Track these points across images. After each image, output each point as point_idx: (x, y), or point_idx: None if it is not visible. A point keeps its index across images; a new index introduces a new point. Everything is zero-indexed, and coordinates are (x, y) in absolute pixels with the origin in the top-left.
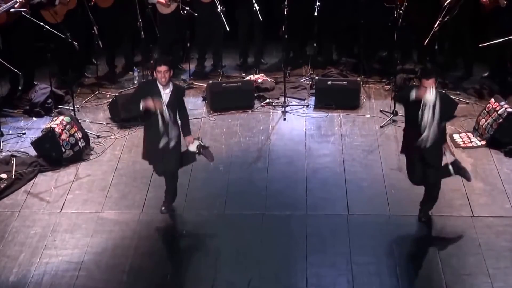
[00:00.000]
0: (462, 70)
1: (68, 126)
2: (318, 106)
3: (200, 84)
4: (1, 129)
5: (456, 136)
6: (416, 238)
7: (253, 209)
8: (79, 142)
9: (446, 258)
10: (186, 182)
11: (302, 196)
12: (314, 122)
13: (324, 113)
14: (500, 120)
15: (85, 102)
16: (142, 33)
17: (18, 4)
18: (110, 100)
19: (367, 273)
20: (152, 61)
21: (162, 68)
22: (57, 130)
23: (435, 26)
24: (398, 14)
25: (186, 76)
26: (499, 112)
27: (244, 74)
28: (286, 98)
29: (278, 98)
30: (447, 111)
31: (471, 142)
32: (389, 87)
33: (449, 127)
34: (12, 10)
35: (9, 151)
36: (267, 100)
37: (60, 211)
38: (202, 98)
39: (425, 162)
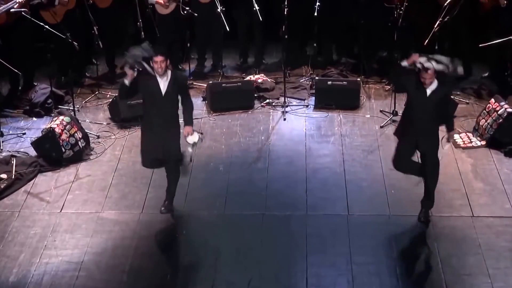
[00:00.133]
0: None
1: (68, 126)
2: (318, 106)
3: (200, 84)
4: (1, 129)
5: (456, 136)
6: (416, 238)
7: (253, 209)
8: (79, 142)
9: (446, 258)
10: (186, 182)
11: (302, 196)
12: (314, 122)
13: (324, 113)
14: (500, 120)
15: (85, 102)
16: (142, 33)
17: (17, 4)
18: (110, 100)
19: (367, 273)
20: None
21: (159, 58)
22: (57, 130)
23: (435, 26)
24: (398, 14)
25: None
26: (499, 112)
27: (244, 74)
28: (286, 98)
29: (278, 98)
30: (446, 101)
31: (471, 142)
32: (389, 87)
33: None
34: (12, 10)
35: (9, 151)
36: (267, 100)
37: (60, 211)
38: (202, 98)
39: (421, 151)
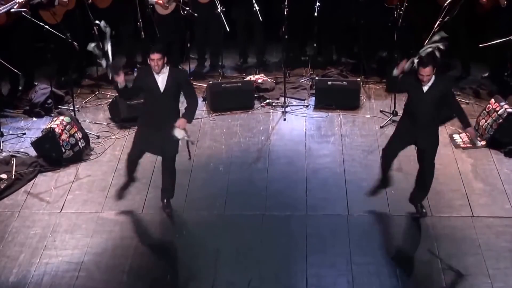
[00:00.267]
0: (460, 71)
1: (68, 126)
2: (318, 107)
3: (200, 85)
4: (1, 130)
5: (456, 136)
6: (416, 238)
7: (253, 209)
8: (79, 143)
9: (446, 258)
10: (186, 182)
11: (302, 197)
12: (314, 122)
13: (324, 114)
14: (500, 120)
15: (85, 102)
16: (142, 33)
17: (18, 5)
18: (110, 100)
19: (367, 273)
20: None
21: (155, 56)
22: (57, 130)
23: (435, 26)
24: (398, 15)
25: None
26: (499, 113)
27: (244, 74)
28: (286, 98)
29: (278, 99)
30: (449, 97)
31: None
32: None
33: (449, 127)
34: (12, 10)
35: (9, 152)
36: (267, 101)
37: (60, 211)
38: (202, 99)
39: (420, 148)
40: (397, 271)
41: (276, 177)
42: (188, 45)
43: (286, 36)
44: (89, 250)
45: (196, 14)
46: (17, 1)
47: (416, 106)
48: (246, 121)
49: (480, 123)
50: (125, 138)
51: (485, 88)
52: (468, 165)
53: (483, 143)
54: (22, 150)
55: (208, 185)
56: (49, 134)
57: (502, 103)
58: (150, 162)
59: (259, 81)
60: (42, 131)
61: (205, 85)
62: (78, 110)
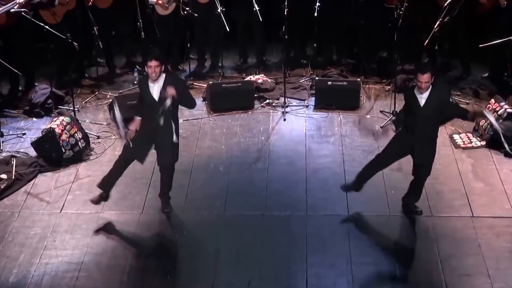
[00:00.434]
0: (460, 71)
1: (68, 126)
2: (318, 107)
3: (200, 85)
4: (1, 130)
5: (456, 136)
6: (416, 238)
7: (253, 209)
8: (79, 143)
9: (446, 258)
10: (186, 182)
11: (302, 197)
12: (314, 122)
13: (324, 114)
14: (500, 120)
15: (85, 102)
16: (142, 33)
17: (18, 5)
18: (110, 100)
19: (367, 273)
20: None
21: (153, 63)
22: (57, 130)
23: (435, 26)
24: (398, 15)
25: (186, 77)
26: (499, 113)
27: (244, 74)
28: (286, 98)
29: (278, 99)
30: (448, 104)
31: (471, 142)
32: (389, 87)
33: (449, 128)
34: (12, 10)
35: (9, 152)
36: (267, 101)
37: (60, 211)
38: (202, 99)
39: (415, 161)
40: (397, 271)
41: (276, 177)
42: (188, 45)
43: (286, 36)
44: (89, 250)
45: (196, 15)
46: (17, 1)
47: (413, 120)
48: (246, 121)
49: (480, 123)
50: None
51: (485, 88)
52: (468, 165)
53: (483, 143)
54: (22, 150)
55: (208, 185)
56: (49, 134)
57: (502, 103)
58: (150, 162)
59: (259, 81)
60: (42, 131)
61: (205, 86)
62: (78, 110)
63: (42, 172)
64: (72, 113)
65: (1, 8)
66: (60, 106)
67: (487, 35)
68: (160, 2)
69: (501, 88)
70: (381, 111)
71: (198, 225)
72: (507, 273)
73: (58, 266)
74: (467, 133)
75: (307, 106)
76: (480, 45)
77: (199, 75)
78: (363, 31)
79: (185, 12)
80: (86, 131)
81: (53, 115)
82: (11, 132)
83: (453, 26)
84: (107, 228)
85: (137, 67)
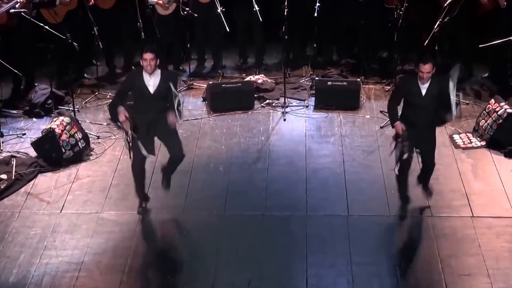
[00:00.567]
0: (461, 71)
1: (68, 126)
2: (318, 107)
3: (200, 85)
4: (1, 130)
5: (456, 136)
6: (416, 238)
7: (253, 209)
8: (79, 143)
9: (446, 258)
10: (186, 182)
11: (302, 197)
12: (314, 122)
13: (324, 114)
14: (500, 120)
15: (85, 102)
16: (142, 33)
17: (19, 4)
18: (110, 100)
19: (367, 274)
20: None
21: (148, 55)
22: (57, 130)
23: (435, 26)
24: (398, 15)
25: (186, 77)
26: (499, 113)
27: (244, 74)
28: (286, 98)
29: (278, 99)
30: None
31: (471, 142)
32: (389, 87)
33: (449, 128)
34: (12, 10)
35: (9, 152)
36: (267, 101)
37: (60, 211)
38: (202, 99)
39: (420, 150)
40: (397, 271)
41: (276, 177)
42: (188, 45)
43: (286, 37)
44: (89, 251)
45: (196, 15)
46: (18, 1)
47: (416, 110)
48: (246, 121)
49: (480, 124)
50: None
51: (486, 89)
52: (468, 165)
53: (483, 143)
54: (22, 150)
55: (208, 186)
56: (49, 135)
57: (502, 104)
58: (150, 162)
59: (259, 81)
60: (42, 132)
61: (205, 86)
62: (78, 111)
63: (42, 172)
64: (72, 113)
65: (2, 8)
66: (60, 106)
67: (487, 35)
68: (160, 2)
69: (502, 88)
70: (381, 111)
71: (198, 225)
72: (507, 273)
73: (58, 266)
74: (467, 133)
75: (307, 106)
76: (480, 45)
77: (199, 75)
78: (363, 31)
79: (185, 13)
80: (86, 131)
81: (53, 115)
82: (11, 132)
83: (455, 26)
84: (107, 228)
85: (133, 68)
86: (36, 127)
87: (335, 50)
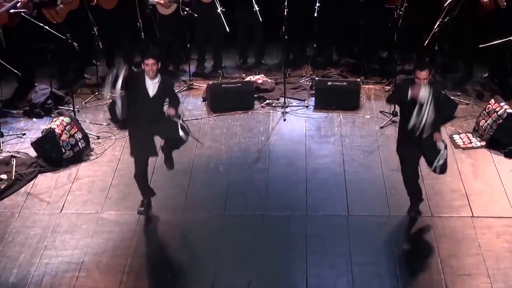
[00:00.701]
0: (462, 71)
1: (68, 126)
2: (318, 107)
3: (200, 85)
4: (1, 130)
5: (456, 136)
6: (416, 239)
7: (253, 209)
8: (79, 143)
9: (446, 259)
10: (186, 183)
11: (302, 197)
12: (314, 122)
13: (324, 114)
14: (500, 121)
15: (85, 103)
16: (142, 33)
17: (20, 4)
18: (110, 101)
19: (367, 274)
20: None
21: (150, 61)
22: (57, 130)
23: (435, 27)
24: (398, 15)
25: (186, 77)
26: (499, 113)
27: (244, 75)
28: (286, 99)
29: (278, 99)
30: (441, 103)
31: (471, 142)
32: (389, 87)
33: (449, 128)
34: (12, 10)
35: (9, 152)
36: (267, 101)
37: (60, 211)
38: (202, 99)
39: (427, 158)
40: (397, 271)
41: (276, 177)
42: (188, 45)
43: (286, 37)
44: (89, 251)
45: (196, 15)
46: (19, 0)
47: (411, 118)
48: (246, 121)
49: (480, 124)
50: (125, 139)
51: (486, 89)
52: (468, 165)
53: (483, 143)
54: (22, 150)
55: (208, 186)
56: (49, 135)
57: (502, 104)
58: (150, 162)
59: (259, 81)
60: (42, 132)
61: (205, 86)
62: (78, 111)
63: (42, 172)
64: (72, 113)
65: (4, 7)
66: (60, 107)
67: (487, 36)
68: (162, 2)
69: (502, 88)
70: (381, 111)
71: (198, 225)
72: (507, 273)
73: (58, 266)
74: (467, 133)
75: (307, 107)
76: (480, 46)
77: (199, 76)
78: (363, 31)
79: (185, 13)
80: (86, 131)
81: (53, 115)
82: (11, 132)
83: (457, 26)
84: (107, 228)
85: (133, 68)
86: (36, 127)
87: (335, 50)
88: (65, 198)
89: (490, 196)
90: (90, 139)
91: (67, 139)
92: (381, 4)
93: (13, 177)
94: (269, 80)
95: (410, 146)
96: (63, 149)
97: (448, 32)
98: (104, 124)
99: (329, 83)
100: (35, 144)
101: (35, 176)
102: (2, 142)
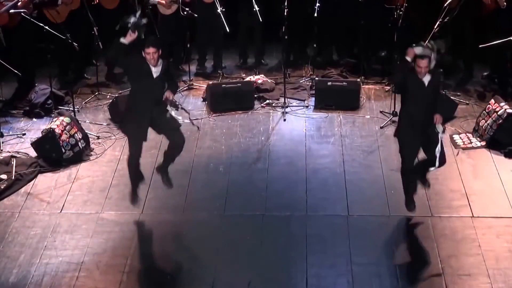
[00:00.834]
0: (462, 71)
1: (68, 127)
2: (318, 107)
3: (200, 85)
4: (1, 130)
5: (456, 136)
6: (416, 239)
7: (253, 210)
8: (79, 143)
9: (446, 259)
10: (186, 183)
11: (302, 197)
12: (314, 122)
13: (324, 114)
14: (500, 121)
15: (85, 103)
16: (143, 34)
17: (20, 3)
18: (110, 101)
19: (367, 274)
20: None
21: (151, 49)
22: (57, 131)
23: (435, 27)
24: (398, 15)
25: (186, 77)
26: (499, 113)
27: (244, 75)
28: (286, 99)
29: (278, 99)
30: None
31: (471, 142)
32: (389, 87)
33: (449, 128)
34: (12, 10)
35: (9, 152)
36: (267, 101)
37: (60, 211)
38: (202, 99)
39: (428, 140)
40: (397, 271)
41: (276, 177)
42: (189, 45)
43: (286, 37)
44: (89, 251)
45: (196, 15)
46: (19, 0)
47: (419, 103)
48: (246, 121)
49: (480, 124)
50: (125, 139)
51: (486, 89)
52: (468, 165)
53: (483, 143)
54: (22, 150)
55: (208, 186)
56: (49, 135)
57: (502, 104)
58: (150, 162)
59: (259, 81)
60: (42, 132)
61: (205, 86)
62: (78, 111)
63: (42, 172)
64: (72, 113)
65: (5, 7)
66: (60, 107)
67: (487, 36)
68: (163, 2)
69: (502, 88)
70: (381, 111)
71: (198, 225)
72: (507, 273)
73: (58, 266)
74: (467, 133)
75: (307, 107)
76: (480, 46)
77: (200, 76)
78: (363, 31)
79: (185, 13)
80: (86, 131)
81: (53, 115)
82: (11, 133)
83: (455, 26)
84: (107, 228)
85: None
86: (36, 127)
87: (335, 50)
88: (65, 198)
89: (490, 196)
90: (90, 139)
91: (67, 139)
92: (381, 4)
93: (13, 177)
94: (269, 80)
95: (410, 132)
96: (63, 149)
97: (448, 32)
98: (104, 124)
99: (329, 83)
100: (35, 144)
101: (35, 176)
102: (2, 142)
